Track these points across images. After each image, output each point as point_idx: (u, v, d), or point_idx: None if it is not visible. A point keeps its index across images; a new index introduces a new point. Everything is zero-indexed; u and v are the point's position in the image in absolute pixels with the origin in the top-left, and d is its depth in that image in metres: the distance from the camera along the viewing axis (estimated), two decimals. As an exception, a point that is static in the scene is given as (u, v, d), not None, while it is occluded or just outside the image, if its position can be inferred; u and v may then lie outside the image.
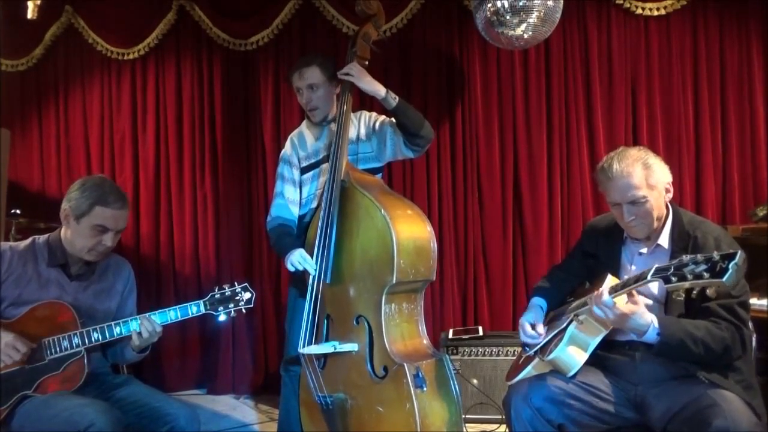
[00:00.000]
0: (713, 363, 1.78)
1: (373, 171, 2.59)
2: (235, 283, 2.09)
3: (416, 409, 2.07)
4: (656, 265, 1.67)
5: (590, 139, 3.58)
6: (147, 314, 2.04)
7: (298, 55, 3.79)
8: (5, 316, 2.02)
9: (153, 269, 4.03)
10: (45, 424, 1.85)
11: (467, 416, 3.09)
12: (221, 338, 3.95)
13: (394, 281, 2.18)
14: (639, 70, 3.54)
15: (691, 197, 3.46)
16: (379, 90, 2.45)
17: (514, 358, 2.43)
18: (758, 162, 3.43)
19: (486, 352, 3.19)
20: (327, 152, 2.56)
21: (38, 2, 3.87)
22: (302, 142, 2.67)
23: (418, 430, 2.06)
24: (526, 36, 3.09)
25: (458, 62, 3.72)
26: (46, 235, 2.16)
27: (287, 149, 2.69)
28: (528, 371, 2.01)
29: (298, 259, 2.36)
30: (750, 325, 1.87)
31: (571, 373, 1.90)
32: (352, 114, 2.57)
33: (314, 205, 2.58)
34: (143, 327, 2.01)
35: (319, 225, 2.36)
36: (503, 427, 3.01)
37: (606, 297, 1.74)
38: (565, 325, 1.95)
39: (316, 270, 2.32)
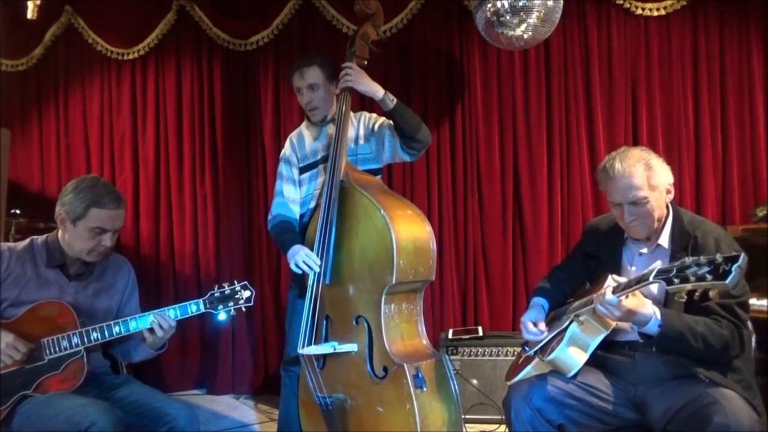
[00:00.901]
0: (712, 359, 1.78)
1: (372, 172, 2.58)
2: (235, 282, 2.09)
3: (416, 410, 2.06)
4: (658, 267, 1.67)
5: (590, 139, 3.58)
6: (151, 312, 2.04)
7: (298, 55, 3.79)
8: (5, 317, 2.02)
9: (153, 269, 4.03)
10: (46, 424, 1.85)
11: (467, 416, 3.09)
12: (221, 338, 3.95)
13: (393, 281, 2.18)
14: (639, 70, 3.54)
15: (691, 197, 3.46)
16: (377, 91, 2.44)
17: (514, 358, 2.43)
18: (758, 162, 3.43)
19: (486, 353, 3.19)
20: (325, 152, 2.56)
21: (38, 2, 3.87)
22: (301, 142, 2.67)
23: (418, 430, 2.06)
24: (526, 36, 3.09)
25: (458, 62, 3.72)
26: (45, 236, 2.16)
27: (286, 149, 2.69)
28: (528, 371, 2.01)
29: (302, 258, 2.34)
30: (750, 325, 1.88)
31: (571, 374, 1.90)
32: (351, 114, 2.57)
33: (312, 205, 2.58)
34: (155, 324, 2.00)
35: (319, 225, 2.36)
36: (503, 427, 3.01)
37: (610, 296, 1.73)
38: (565, 325, 1.95)
39: (321, 267, 2.31)
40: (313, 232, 2.40)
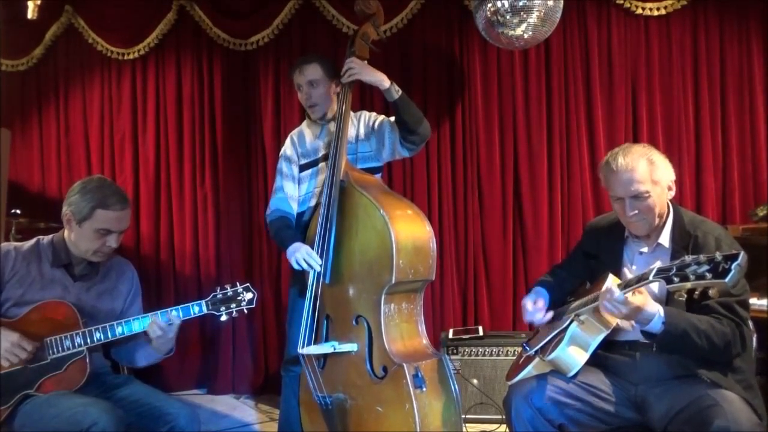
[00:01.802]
0: (714, 358, 1.78)
1: (372, 170, 2.59)
2: (237, 284, 2.08)
3: (415, 409, 2.07)
4: (658, 266, 1.67)
5: (590, 139, 3.58)
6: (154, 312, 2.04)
7: (298, 55, 3.78)
8: (8, 316, 2.02)
9: (153, 269, 4.03)
10: (47, 424, 1.85)
11: (467, 416, 3.09)
12: (221, 338, 3.96)
13: (393, 281, 2.18)
14: (639, 70, 3.54)
15: (691, 197, 3.46)
16: (383, 80, 2.44)
17: (514, 358, 2.43)
18: (758, 162, 3.43)
19: (486, 352, 3.19)
20: (325, 151, 2.57)
21: (38, 2, 3.87)
22: (301, 139, 2.68)
23: (418, 430, 2.06)
24: (526, 36, 3.09)
25: (458, 62, 3.72)
26: (51, 236, 2.16)
27: (287, 147, 2.70)
28: (528, 371, 2.01)
29: (303, 257, 2.34)
30: (750, 324, 1.88)
31: (572, 373, 1.90)
32: (351, 114, 2.58)
33: (313, 203, 2.58)
34: (158, 322, 1.99)
35: (318, 225, 2.36)
36: (503, 427, 3.01)
37: (618, 293, 1.73)
38: (565, 325, 1.95)
39: (321, 267, 2.31)
40: (314, 231, 2.40)
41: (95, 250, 2.07)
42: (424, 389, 2.11)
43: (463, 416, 2.94)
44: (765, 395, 1.83)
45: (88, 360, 2.00)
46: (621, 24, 3.55)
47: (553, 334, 2.00)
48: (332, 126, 2.55)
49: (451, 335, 3.29)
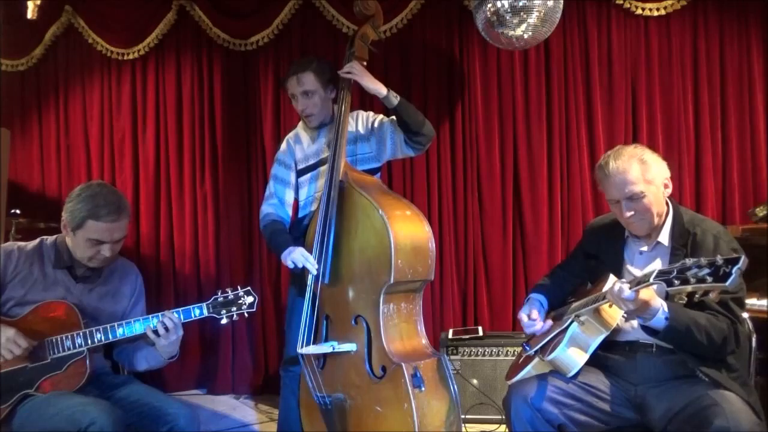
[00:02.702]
0: (713, 354, 1.78)
1: (371, 171, 2.59)
2: (238, 287, 2.08)
3: (414, 409, 2.07)
4: (658, 268, 1.67)
5: (590, 139, 3.58)
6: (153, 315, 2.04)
7: (298, 55, 3.79)
8: (10, 315, 2.02)
9: (153, 269, 4.03)
10: (46, 423, 1.85)
11: (467, 416, 3.09)
12: (221, 338, 3.95)
13: (391, 281, 2.18)
14: (639, 70, 3.54)
15: (691, 197, 3.46)
16: (380, 89, 2.45)
17: (514, 358, 2.43)
18: (758, 162, 3.43)
19: (486, 352, 3.19)
20: (325, 155, 2.56)
21: (38, 2, 3.87)
22: (299, 144, 2.67)
23: (417, 429, 2.06)
24: (526, 36, 3.09)
25: (458, 62, 3.72)
26: (54, 237, 2.17)
27: (283, 150, 2.69)
28: (528, 371, 2.01)
29: (299, 258, 2.34)
30: (748, 324, 1.88)
31: (572, 374, 1.91)
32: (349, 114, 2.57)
33: (313, 207, 2.57)
34: (159, 324, 1.98)
35: (318, 225, 2.36)
36: (503, 427, 3.01)
37: (628, 292, 1.71)
38: (565, 325, 1.95)
39: (318, 270, 2.31)
40: (313, 233, 2.40)
41: (90, 257, 2.07)
42: (423, 389, 2.11)
43: (463, 416, 2.94)
44: (765, 395, 1.83)
45: (88, 360, 2.00)
46: (621, 24, 3.55)
47: (553, 334, 2.00)
48: (330, 129, 2.54)
49: (450, 335, 3.29)
